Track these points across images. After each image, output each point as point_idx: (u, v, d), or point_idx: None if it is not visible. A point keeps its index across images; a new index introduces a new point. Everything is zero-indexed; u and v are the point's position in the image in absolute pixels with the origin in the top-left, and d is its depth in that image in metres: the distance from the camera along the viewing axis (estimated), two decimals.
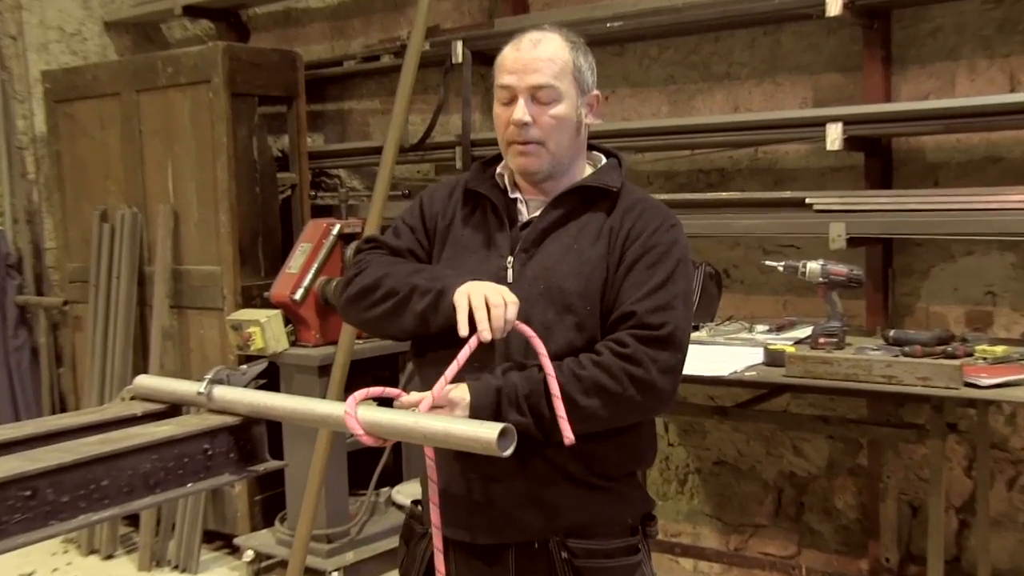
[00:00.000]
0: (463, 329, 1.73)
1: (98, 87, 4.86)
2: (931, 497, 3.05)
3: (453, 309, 1.77)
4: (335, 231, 4.27)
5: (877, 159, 3.65)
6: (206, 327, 4.59)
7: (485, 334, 1.72)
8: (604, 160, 2.04)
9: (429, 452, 1.71)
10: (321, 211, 4.90)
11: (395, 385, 1.79)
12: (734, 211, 3.71)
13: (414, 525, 2.05)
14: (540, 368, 1.78)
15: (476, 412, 1.74)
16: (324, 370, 4.07)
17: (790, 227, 3.57)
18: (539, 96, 1.88)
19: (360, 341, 4.16)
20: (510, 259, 1.91)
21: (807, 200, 3.50)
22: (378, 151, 4.12)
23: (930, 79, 3.60)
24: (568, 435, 1.73)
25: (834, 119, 3.40)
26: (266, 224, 4.58)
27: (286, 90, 4.67)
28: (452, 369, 1.71)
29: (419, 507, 2.05)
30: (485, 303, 1.74)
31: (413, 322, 1.87)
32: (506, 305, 1.75)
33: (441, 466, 1.86)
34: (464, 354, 1.72)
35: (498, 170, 2.01)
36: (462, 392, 1.76)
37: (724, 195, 3.87)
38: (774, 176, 3.97)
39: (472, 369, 1.85)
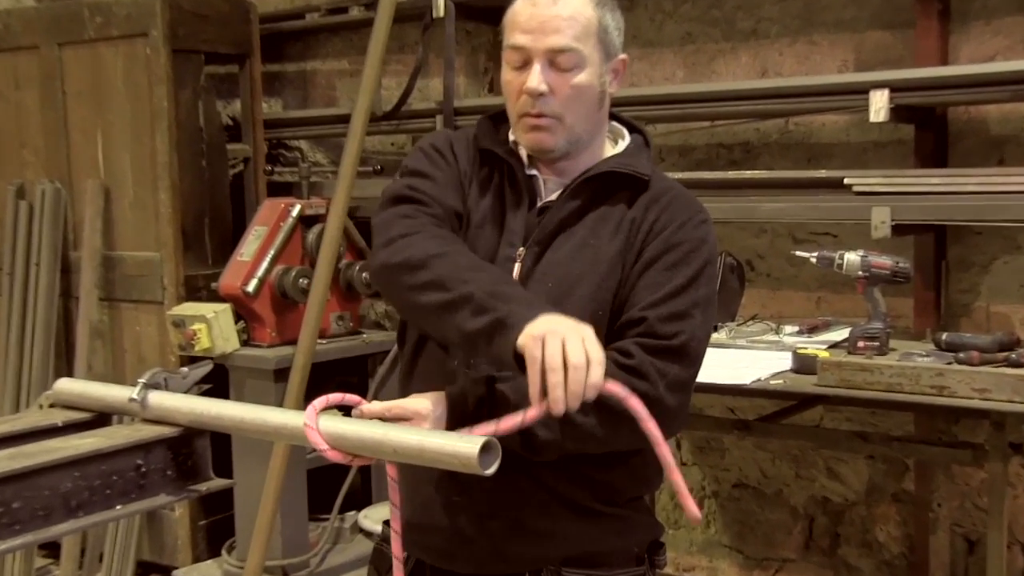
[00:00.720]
0: (535, 397, 1.59)
1: (11, 38, 4.82)
2: (990, 530, 3.05)
3: (511, 350, 1.62)
4: (294, 212, 4.25)
5: (930, 132, 3.65)
6: (143, 323, 4.56)
7: (558, 405, 1.57)
8: (627, 135, 2.02)
9: (391, 471, 1.69)
10: (279, 189, 4.88)
11: (363, 394, 1.77)
12: (760, 192, 3.71)
13: (385, 550, 2.04)
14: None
15: (448, 427, 1.72)
16: (281, 374, 4.06)
17: (826, 212, 3.57)
18: (558, 61, 1.84)
19: (323, 341, 4.16)
20: (521, 250, 1.89)
21: (846, 180, 3.49)
22: (346, 119, 4.10)
23: (996, 37, 3.59)
24: (694, 513, 1.65)
25: (880, 85, 3.39)
26: (214, 204, 4.55)
27: (237, 47, 4.65)
28: (484, 428, 1.59)
29: (391, 528, 2.05)
30: (563, 361, 1.58)
31: (455, 336, 1.75)
32: (589, 366, 1.58)
33: (419, 487, 1.86)
34: (514, 420, 1.61)
35: (511, 135, 1.98)
36: (431, 402, 1.74)
37: (749, 174, 3.86)
38: (808, 152, 3.97)
39: (447, 375, 1.84)
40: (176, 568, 4.46)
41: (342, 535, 4.37)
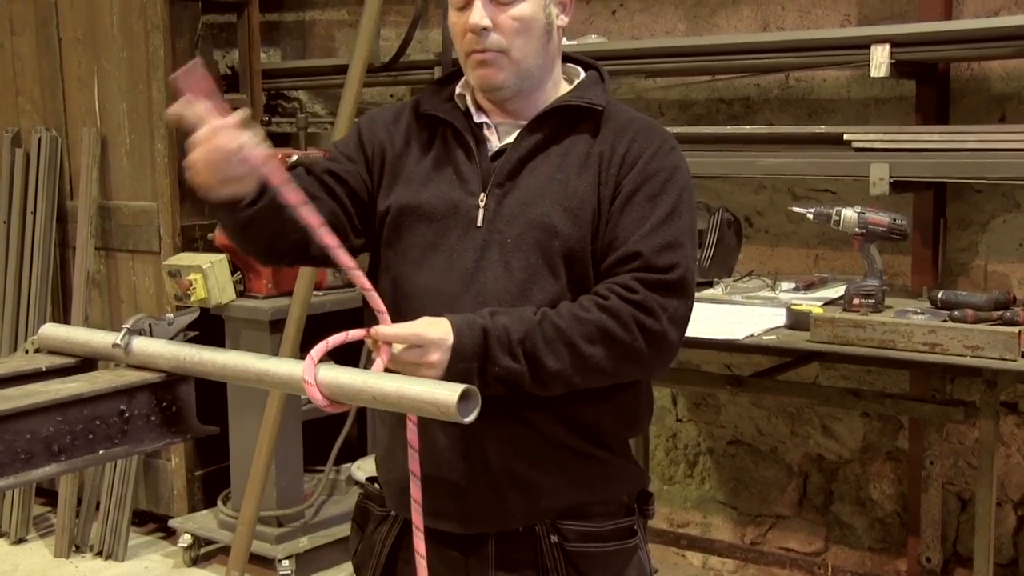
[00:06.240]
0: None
1: None
2: (981, 488, 3.05)
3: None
4: (292, 163, 4.24)
5: (932, 88, 3.63)
6: (139, 273, 4.58)
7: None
8: (583, 74, 2.01)
9: (412, 438, 1.68)
10: (277, 140, 4.86)
11: (358, 344, 1.76)
12: (759, 148, 3.68)
13: (371, 507, 2.04)
14: (535, 311, 1.77)
15: (459, 353, 1.69)
16: (276, 326, 4.07)
17: (825, 168, 3.55)
18: None
19: (319, 292, 4.16)
20: (483, 196, 1.88)
21: (846, 136, 3.47)
22: (344, 70, 4.09)
23: None
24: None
25: (881, 40, 3.36)
26: None
27: None
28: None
29: (376, 485, 2.05)
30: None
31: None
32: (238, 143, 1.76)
33: (401, 444, 1.85)
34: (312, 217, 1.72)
35: (457, 89, 1.98)
36: (441, 329, 1.71)
37: (748, 129, 3.83)
38: (808, 107, 3.95)
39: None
40: (172, 517, 4.49)
41: (337, 487, 4.40)
